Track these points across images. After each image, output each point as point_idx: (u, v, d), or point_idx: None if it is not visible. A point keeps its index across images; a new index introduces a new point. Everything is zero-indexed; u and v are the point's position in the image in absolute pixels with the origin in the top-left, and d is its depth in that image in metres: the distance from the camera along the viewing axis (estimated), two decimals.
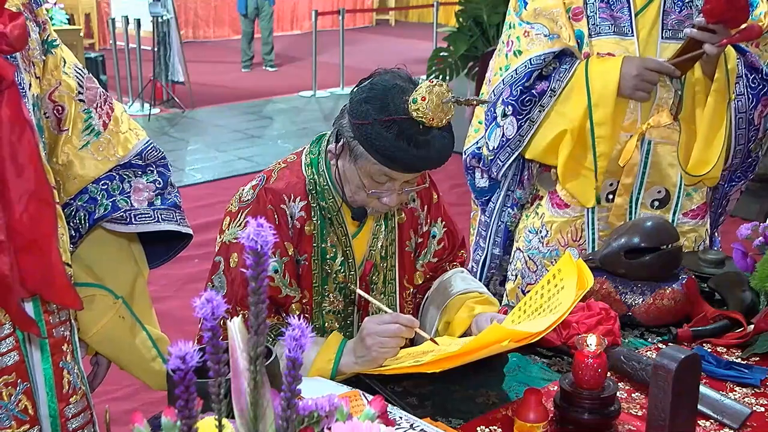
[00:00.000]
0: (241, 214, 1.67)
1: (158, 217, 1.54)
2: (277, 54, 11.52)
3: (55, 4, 7.79)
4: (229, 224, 1.69)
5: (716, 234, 2.38)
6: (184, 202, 1.64)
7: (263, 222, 0.75)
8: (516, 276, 2.29)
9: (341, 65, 9.63)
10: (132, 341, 1.61)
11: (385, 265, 1.81)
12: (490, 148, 2.20)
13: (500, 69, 2.16)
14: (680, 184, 2.17)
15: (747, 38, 2.01)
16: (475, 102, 1.74)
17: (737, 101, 2.07)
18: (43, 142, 1.40)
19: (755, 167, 2.26)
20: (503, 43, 2.18)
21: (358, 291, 1.70)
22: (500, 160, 2.20)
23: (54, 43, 1.44)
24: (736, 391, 1.59)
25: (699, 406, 1.42)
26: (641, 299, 1.85)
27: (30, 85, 1.34)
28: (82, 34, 8.77)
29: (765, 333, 1.74)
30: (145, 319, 1.63)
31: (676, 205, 2.19)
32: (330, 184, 1.70)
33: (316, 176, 1.70)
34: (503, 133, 2.15)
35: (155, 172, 1.57)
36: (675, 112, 2.10)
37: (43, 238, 1.25)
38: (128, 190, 1.53)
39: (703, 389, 1.46)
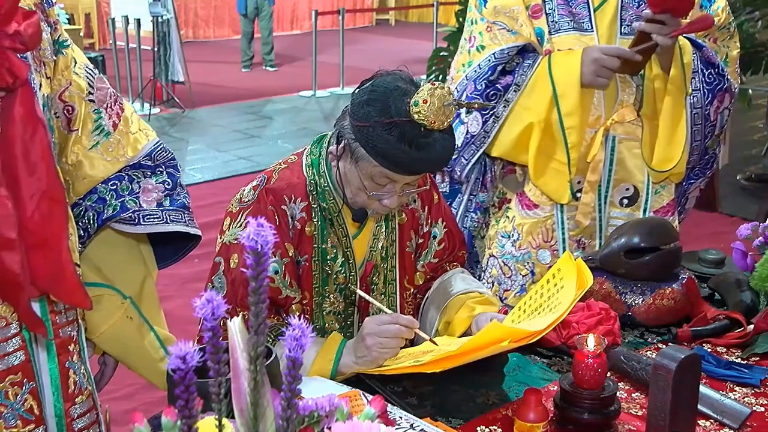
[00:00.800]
0: (242, 215, 1.67)
1: (167, 218, 1.54)
2: (277, 54, 11.51)
3: (55, 4, 7.79)
4: (229, 225, 1.69)
5: None
6: None
7: (263, 222, 0.75)
8: (492, 283, 2.24)
9: (341, 65, 9.63)
10: (140, 341, 1.60)
11: (385, 265, 1.80)
12: None
13: (463, 66, 2.13)
14: (648, 182, 2.15)
15: (699, 29, 1.99)
16: (476, 105, 1.74)
17: (693, 96, 2.05)
18: (54, 142, 1.40)
19: (713, 164, 2.25)
20: (465, 39, 2.15)
21: (358, 291, 1.70)
22: (464, 158, 2.16)
23: (65, 44, 1.44)
24: (736, 391, 1.59)
25: (699, 406, 1.42)
26: (641, 299, 1.85)
27: (41, 85, 1.34)
28: (82, 34, 8.79)
29: (765, 333, 1.74)
30: (153, 319, 1.63)
31: (646, 203, 2.16)
32: (331, 185, 1.70)
33: (316, 177, 1.70)
34: (467, 130, 2.12)
35: (164, 173, 1.57)
36: (638, 108, 2.09)
37: (54, 237, 1.25)
38: (137, 190, 1.53)
39: (703, 389, 1.47)
